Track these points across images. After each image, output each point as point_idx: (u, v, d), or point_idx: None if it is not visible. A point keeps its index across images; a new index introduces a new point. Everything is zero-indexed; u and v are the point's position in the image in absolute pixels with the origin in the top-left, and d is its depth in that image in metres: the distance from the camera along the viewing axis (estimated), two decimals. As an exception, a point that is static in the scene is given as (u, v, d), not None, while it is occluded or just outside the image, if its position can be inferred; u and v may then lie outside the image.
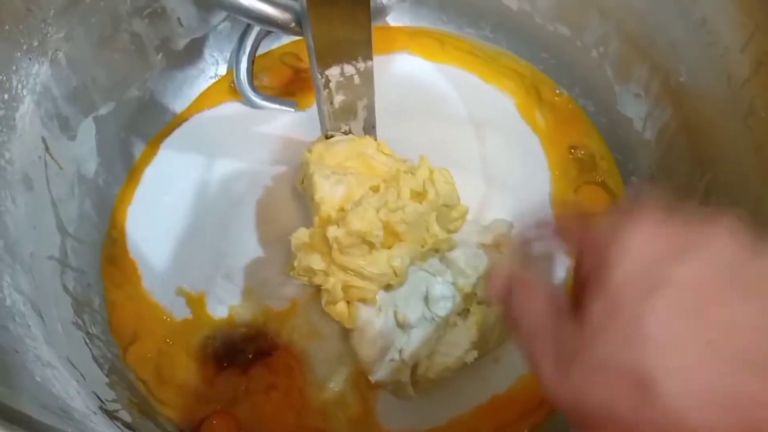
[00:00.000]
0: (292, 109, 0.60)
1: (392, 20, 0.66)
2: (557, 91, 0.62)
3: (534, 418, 0.48)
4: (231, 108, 0.62)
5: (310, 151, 0.48)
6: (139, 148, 0.59)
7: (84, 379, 0.45)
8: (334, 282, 0.42)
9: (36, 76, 0.49)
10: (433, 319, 0.46)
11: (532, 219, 0.33)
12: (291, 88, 0.63)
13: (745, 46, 0.44)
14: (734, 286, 0.24)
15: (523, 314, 0.29)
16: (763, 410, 0.22)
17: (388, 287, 0.44)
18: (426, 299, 0.46)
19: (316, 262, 0.43)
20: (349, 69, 0.45)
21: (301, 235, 0.44)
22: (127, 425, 0.45)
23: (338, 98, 0.47)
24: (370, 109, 0.49)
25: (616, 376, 0.24)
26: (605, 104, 0.60)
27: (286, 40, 0.65)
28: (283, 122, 0.60)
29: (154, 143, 0.59)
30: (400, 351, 0.45)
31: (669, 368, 0.23)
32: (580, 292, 0.27)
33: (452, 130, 0.59)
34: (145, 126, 0.59)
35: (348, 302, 0.44)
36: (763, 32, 0.42)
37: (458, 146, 0.58)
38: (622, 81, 0.58)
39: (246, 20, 0.46)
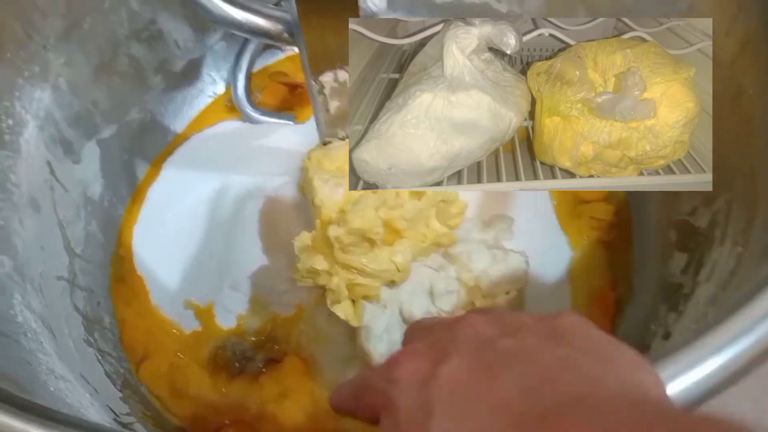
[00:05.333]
0: (291, 122, 0.61)
1: (384, 31, 0.67)
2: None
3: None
4: (230, 125, 0.63)
5: (309, 158, 0.49)
6: (142, 169, 0.60)
7: (97, 393, 0.45)
8: (337, 281, 0.43)
9: (39, 101, 0.50)
10: (438, 313, 0.46)
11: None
12: (287, 103, 0.64)
13: (730, 28, 0.45)
14: (488, 371, 0.25)
15: None
16: None
17: (391, 284, 0.45)
18: (431, 294, 0.46)
19: (319, 262, 0.43)
20: (342, 75, 0.46)
21: (304, 237, 0.45)
22: (141, 437, 0.46)
23: (333, 104, 0.48)
24: (366, 113, 0.50)
25: None
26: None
27: (281, 56, 0.66)
28: (281, 135, 0.61)
29: (156, 163, 0.61)
30: (408, 348, 0.45)
31: None
32: None
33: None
34: (147, 147, 0.61)
35: (353, 301, 0.45)
36: (746, 13, 0.43)
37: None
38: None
39: (240, 34, 0.47)
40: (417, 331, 0.31)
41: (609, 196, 0.58)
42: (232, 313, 0.52)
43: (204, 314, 0.52)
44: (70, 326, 0.48)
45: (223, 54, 0.64)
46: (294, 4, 0.40)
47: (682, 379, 0.28)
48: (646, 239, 0.55)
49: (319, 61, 0.44)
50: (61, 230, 0.51)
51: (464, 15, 0.66)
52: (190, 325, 0.52)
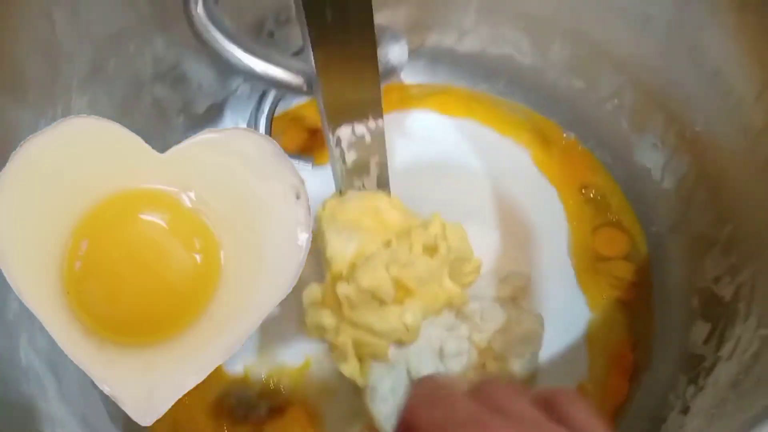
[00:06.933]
0: (309, 165, 0.61)
1: (407, 78, 0.67)
2: (564, 135, 0.63)
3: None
4: (250, 167, 0.63)
5: (323, 207, 0.49)
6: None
7: (99, 437, 0.45)
8: (344, 339, 0.42)
9: (61, 142, 0.50)
10: (449, 375, 0.45)
11: None
12: (307, 146, 0.64)
13: (760, 95, 0.44)
14: None
15: None
16: None
17: (399, 343, 0.44)
18: (440, 354, 0.45)
19: (327, 318, 0.43)
20: (360, 128, 0.45)
21: (314, 291, 0.44)
22: (141, 483, 0.45)
23: (350, 157, 0.47)
24: (383, 165, 0.49)
25: None
26: (622, 155, 0.60)
27: (303, 100, 0.66)
28: (300, 179, 0.61)
29: (175, 203, 0.61)
30: (415, 410, 0.44)
31: None
32: None
33: (469, 184, 0.59)
34: (167, 187, 0.61)
35: (359, 359, 0.44)
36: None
37: (474, 199, 0.58)
38: (638, 132, 0.58)
39: (261, 84, 0.47)
40: (422, 404, 0.29)
41: (630, 254, 0.57)
42: (239, 360, 0.51)
43: (212, 361, 0.52)
44: (75, 367, 0.48)
45: (246, 97, 0.64)
46: (313, 59, 0.40)
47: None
48: (668, 303, 0.53)
49: (337, 115, 0.44)
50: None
51: (487, 65, 0.65)
52: (197, 371, 0.52)
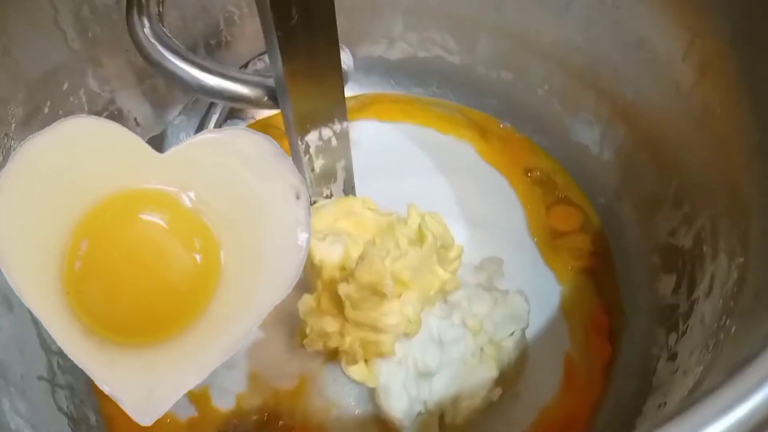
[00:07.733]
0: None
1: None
2: (501, 125, 0.65)
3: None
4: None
5: (297, 220, 0.48)
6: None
7: (96, 498, 0.42)
8: (350, 341, 0.42)
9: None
10: (451, 363, 0.45)
11: None
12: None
13: (686, 54, 0.47)
14: None
15: None
16: None
17: (404, 337, 0.44)
18: (440, 344, 0.45)
19: (329, 324, 0.42)
20: (326, 132, 0.46)
21: (308, 300, 0.43)
22: None
23: (318, 163, 0.47)
24: (349, 169, 0.50)
25: None
26: (559, 137, 0.63)
27: (242, 127, 0.65)
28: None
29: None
30: (425, 402, 0.44)
31: None
32: None
33: (423, 184, 0.60)
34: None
35: (365, 360, 0.43)
36: (701, 38, 0.45)
37: (432, 196, 0.59)
38: (571, 112, 0.61)
39: (219, 101, 0.46)
40: None
41: (584, 226, 0.60)
42: (229, 392, 0.49)
43: (199, 398, 0.49)
44: (57, 428, 0.45)
45: (185, 128, 0.63)
46: (281, 69, 0.40)
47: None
48: (629, 264, 0.56)
49: (305, 122, 0.44)
50: (36, 327, 0.48)
51: (419, 69, 0.67)
52: (185, 412, 0.49)
